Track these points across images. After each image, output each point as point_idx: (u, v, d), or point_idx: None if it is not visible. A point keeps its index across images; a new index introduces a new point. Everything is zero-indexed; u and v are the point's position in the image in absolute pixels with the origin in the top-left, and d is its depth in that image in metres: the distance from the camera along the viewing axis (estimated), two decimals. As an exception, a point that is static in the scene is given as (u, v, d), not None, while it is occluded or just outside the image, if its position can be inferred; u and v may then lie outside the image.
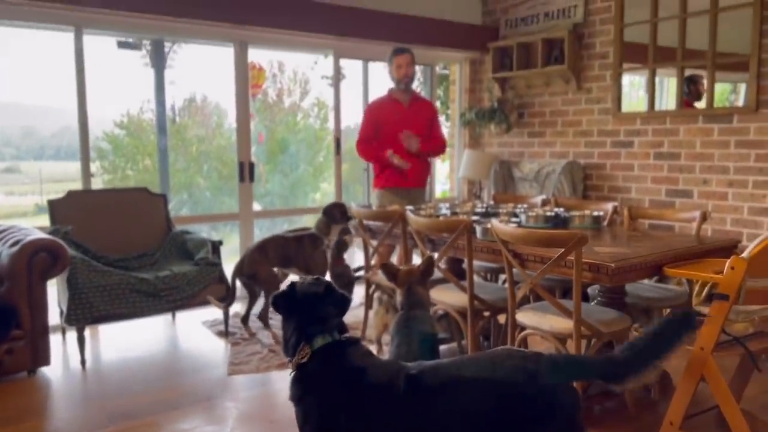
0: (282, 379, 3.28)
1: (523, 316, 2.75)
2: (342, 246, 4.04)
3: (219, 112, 6.51)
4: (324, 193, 7.05)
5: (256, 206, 5.25)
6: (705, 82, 4.39)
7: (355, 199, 5.85)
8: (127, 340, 3.91)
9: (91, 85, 4.29)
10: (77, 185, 4.31)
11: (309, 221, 6.07)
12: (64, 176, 6.19)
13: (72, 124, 4.36)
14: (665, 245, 2.83)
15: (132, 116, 6.08)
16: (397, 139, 4.34)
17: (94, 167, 4.44)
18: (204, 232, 4.37)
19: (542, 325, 2.65)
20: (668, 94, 4.77)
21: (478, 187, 5.82)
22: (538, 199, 4.10)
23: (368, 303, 3.72)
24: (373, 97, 4.89)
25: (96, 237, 3.92)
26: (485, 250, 2.96)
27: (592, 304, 2.96)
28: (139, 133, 6.21)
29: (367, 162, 4.89)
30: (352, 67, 5.64)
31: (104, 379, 3.33)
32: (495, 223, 2.79)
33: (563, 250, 2.46)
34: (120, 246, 4.02)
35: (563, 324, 2.57)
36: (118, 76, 5.17)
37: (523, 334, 2.78)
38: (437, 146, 4.61)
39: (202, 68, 5.53)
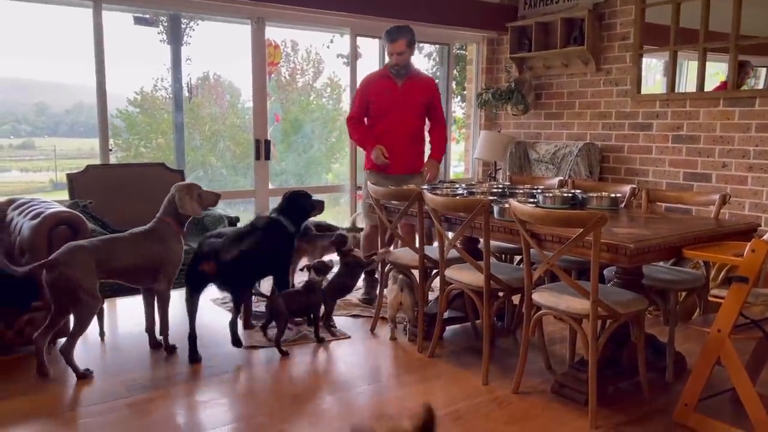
0: (297, 354, 3.31)
1: (539, 296, 2.75)
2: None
3: (233, 91, 6.49)
4: (336, 174, 7.05)
5: (271, 185, 5.26)
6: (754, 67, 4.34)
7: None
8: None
9: (106, 61, 4.29)
10: (92, 162, 4.32)
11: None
12: (78, 153, 6.22)
13: (85, 101, 4.36)
14: (684, 227, 2.81)
15: (146, 93, 6.07)
16: (387, 119, 4.15)
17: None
18: (219, 208, 4.38)
19: (558, 305, 2.65)
20: (687, 77, 4.71)
21: (494, 168, 5.79)
22: (555, 181, 4.08)
23: (383, 282, 3.73)
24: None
25: (114, 211, 3.95)
26: (502, 230, 2.96)
27: (608, 285, 2.96)
28: (153, 110, 6.20)
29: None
30: (367, 45, 5.60)
31: (122, 351, 3.37)
32: (514, 202, 2.79)
33: (582, 230, 2.45)
34: (138, 221, 4.00)
35: (579, 304, 2.57)
36: (133, 53, 5.16)
37: (539, 314, 2.79)
38: (439, 139, 4.32)
39: (216, 46, 5.51)
